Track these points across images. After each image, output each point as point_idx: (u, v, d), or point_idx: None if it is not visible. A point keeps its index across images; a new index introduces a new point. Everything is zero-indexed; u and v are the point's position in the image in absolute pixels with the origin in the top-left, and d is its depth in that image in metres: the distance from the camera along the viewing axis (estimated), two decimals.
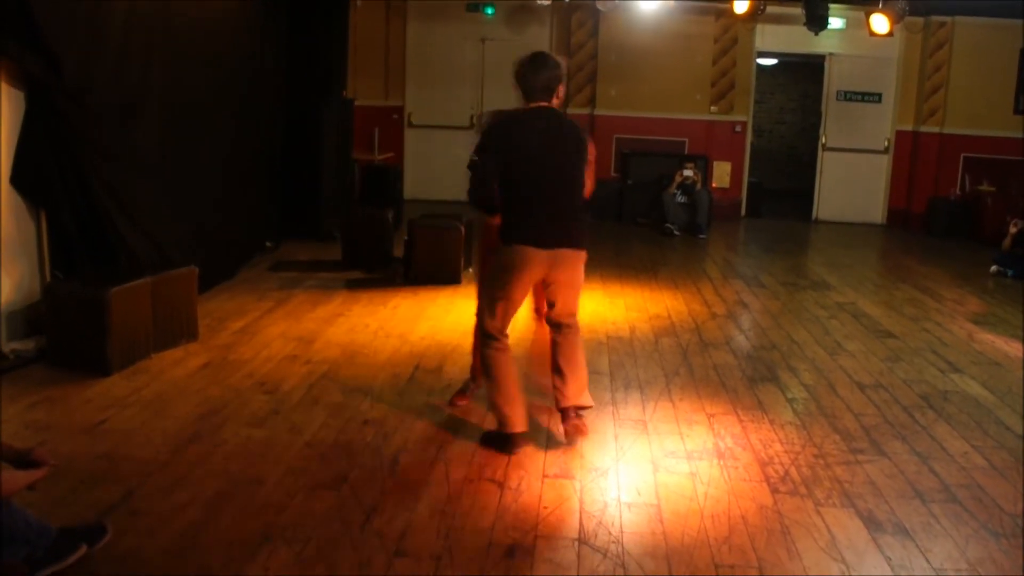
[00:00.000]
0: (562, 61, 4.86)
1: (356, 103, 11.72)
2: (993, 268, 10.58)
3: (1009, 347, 7.33)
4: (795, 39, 13.62)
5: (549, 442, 4.84)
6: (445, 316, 7.32)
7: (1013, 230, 10.47)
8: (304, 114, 10.13)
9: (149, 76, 6.70)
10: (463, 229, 8.58)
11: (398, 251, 9.03)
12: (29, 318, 5.87)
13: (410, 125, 14.39)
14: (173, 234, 6.94)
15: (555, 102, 4.77)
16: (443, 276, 8.42)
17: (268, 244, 9.59)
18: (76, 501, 3.93)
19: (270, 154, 9.64)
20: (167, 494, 4.05)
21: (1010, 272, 10.37)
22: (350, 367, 5.97)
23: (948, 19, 13.74)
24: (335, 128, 10.52)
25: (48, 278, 6.04)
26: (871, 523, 4.10)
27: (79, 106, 5.89)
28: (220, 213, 8.10)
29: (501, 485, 4.30)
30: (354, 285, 8.31)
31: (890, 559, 3.78)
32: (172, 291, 6.13)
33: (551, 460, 4.62)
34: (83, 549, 3.44)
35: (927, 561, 3.78)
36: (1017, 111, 13.84)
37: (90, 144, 6.02)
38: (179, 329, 6.23)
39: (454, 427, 5.01)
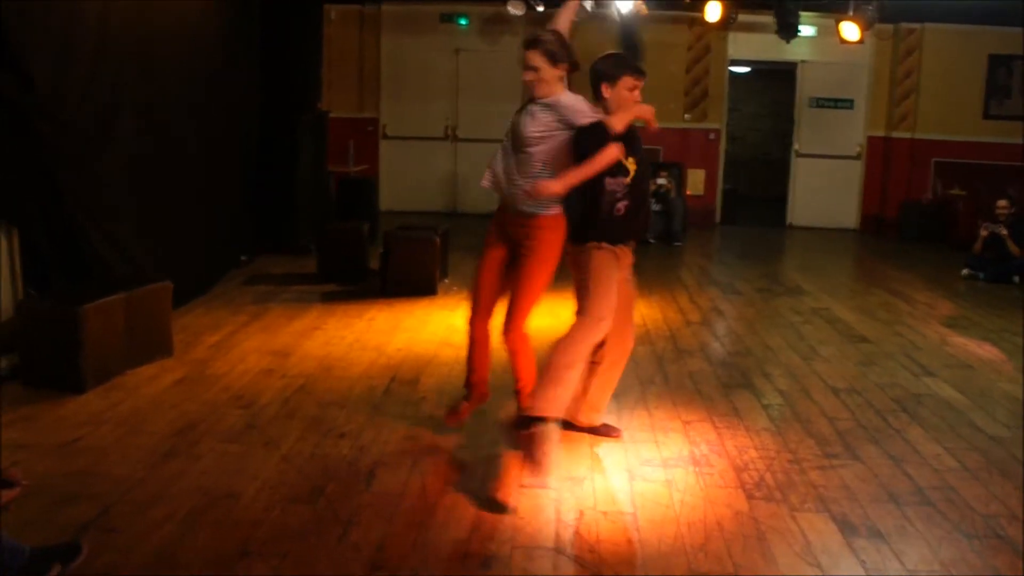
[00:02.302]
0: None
1: (331, 115, 11.72)
2: (965, 271, 10.68)
3: (981, 350, 7.40)
4: (767, 47, 13.74)
5: None
6: (422, 328, 7.32)
7: (984, 233, 10.57)
8: (278, 127, 10.11)
9: (122, 91, 6.68)
10: (438, 240, 8.59)
11: (374, 263, 9.03)
12: (2, 336, 5.83)
13: (385, 137, 14.40)
14: (147, 249, 6.91)
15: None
16: (419, 287, 8.42)
17: (243, 258, 9.56)
18: (50, 520, 3.90)
19: (245, 167, 9.61)
20: (143, 511, 4.03)
21: (982, 275, 10.48)
22: (326, 380, 5.97)
23: (918, 26, 13.89)
24: (310, 141, 10.52)
25: (21, 295, 6.01)
26: (845, 527, 4.13)
27: (51, 122, 5.87)
28: (195, 227, 8.07)
29: (476, 496, 4.30)
30: (330, 298, 8.31)
31: (864, 562, 3.81)
32: (146, 306, 6.11)
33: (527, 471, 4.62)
34: (57, 568, 3.41)
35: (901, 563, 3.81)
36: (986, 116, 14.02)
37: (63, 159, 6.00)
38: (154, 345, 6.20)
39: (430, 439, 5.01)
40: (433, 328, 7.28)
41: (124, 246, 6.58)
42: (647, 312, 8.26)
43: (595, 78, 4.64)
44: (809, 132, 14.64)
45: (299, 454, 4.74)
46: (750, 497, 4.41)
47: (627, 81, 4.59)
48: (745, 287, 9.71)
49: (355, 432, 5.07)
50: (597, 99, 4.64)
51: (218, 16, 8.70)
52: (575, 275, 4.71)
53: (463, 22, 13.90)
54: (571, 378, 4.45)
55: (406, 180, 14.29)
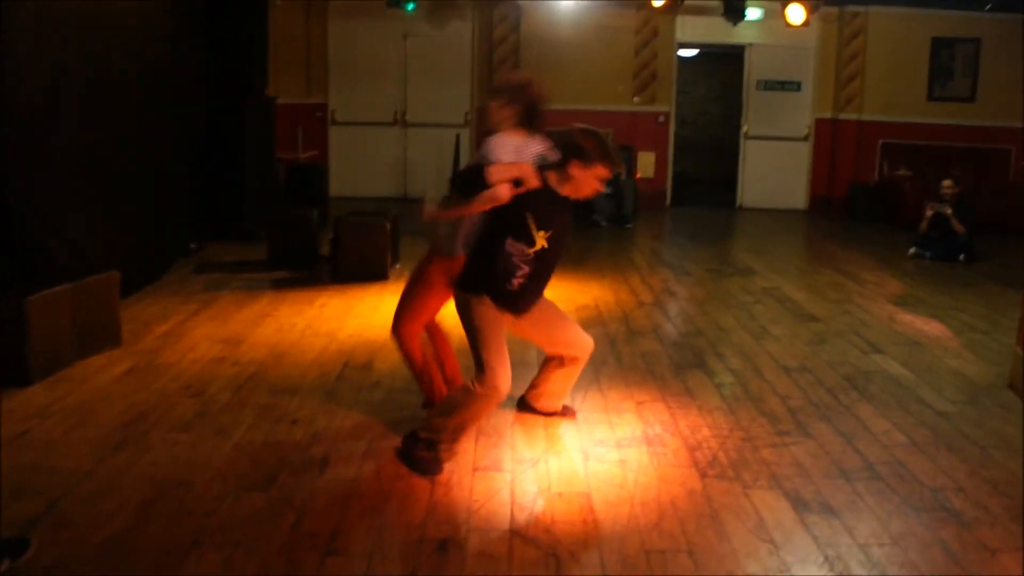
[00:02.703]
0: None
1: (278, 101, 11.60)
2: (912, 251, 10.83)
3: (928, 327, 7.51)
4: (715, 30, 13.84)
5: (479, 435, 4.84)
6: (373, 313, 7.29)
7: (929, 213, 10.70)
8: (225, 113, 9.99)
9: (64, 77, 6.55)
10: (388, 225, 8.54)
11: (325, 249, 8.97)
12: None
13: (334, 123, 14.29)
14: (94, 238, 6.80)
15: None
16: (371, 273, 8.38)
17: (192, 246, 9.44)
18: None
19: (191, 155, 9.49)
20: (93, 503, 3.97)
21: (928, 254, 10.62)
22: (278, 367, 5.92)
23: (862, 9, 14.04)
24: (257, 127, 10.40)
25: None
26: (798, 503, 4.17)
27: None
28: (142, 215, 7.95)
29: (432, 480, 4.29)
30: (281, 285, 8.23)
31: (816, 537, 3.86)
32: (93, 297, 6.01)
33: (481, 453, 4.63)
34: (6, 564, 3.36)
35: (852, 538, 3.86)
36: (931, 98, 14.22)
37: (2, 147, 5.87)
38: (102, 335, 6.10)
39: (383, 424, 4.98)
40: (385, 313, 7.21)
41: (69, 235, 6.47)
42: (599, 294, 8.28)
43: (568, 151, 4.35)
44: (758, 114, 14.74)
45: (251, 442, 4.69)
46: (703, 475, 4.44)
47: (599, 170, 4.32)
48: (696, 268, 9.77)
49: (308, 418, 5.03)
50: (562, 167, 4.35)
51: (162, 3, 8.56)
52: (462, 321, 4.48)
53: (410, 7, 13.79)
54: (462, 435, 4.47)
55: (356, 166, 14.19)
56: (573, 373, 5.01)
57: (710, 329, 7.23)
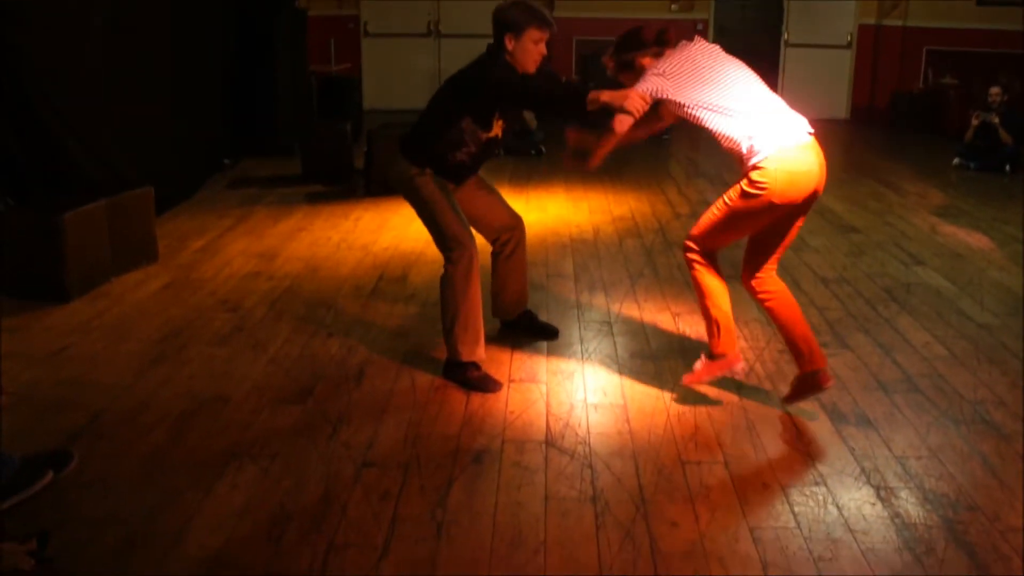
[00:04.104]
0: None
1: (309, 14, 11.46)
2: (956, 161, 10.60)
3: (971, 238, 7.37)
4: None
5: (515, 349, 4.84)
6: (408, 226, 7.25)
7: (975, 122, 10.44)
8: (255, 27, 9.90)
9: None
10: None
11: (359, 163, 8.92)
12: None
13: (366, 34, 14.12)
14: (127, 155, 6.79)
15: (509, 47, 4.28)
16: None
17: (226, 161, 9.45)
18: (40, 429, 3.88)
19: (222, 70, 9.43)
20: (133, 417, 4.02)
21: (972, 164, 10.40)
22: (313, 281, 5.93)
23: None
24: (288, 40, 10.29)
25: None
26: (835, 415, 4.14)
27: (19, 28, 5.70)
28: (173, 132, 7.94)
29: (467, 392, 4.30)
30: (315, 199, 8.22)
31: (853, 449, 3.83)
32: (128, 213, 6.02)
33: (516, 365, 4.62)
34: (49, 476, 3.41)
35: (889, 450, 3.83)
36: (980, 2, 13.75)
37: (32, 65, 5.85)
38: (138, 251, 6.13)
39: (419, 336, 4.99)
40: (419, 226, 7.08)
41: (102, 153, 6.46)
42: (636, 205, 8.20)
43: (498, 27, 4.23)
44: (799, 22, 14.38)
45: (287, 356, 4.72)
46: (740, 387, 4.41)
47: (533, 33, 4.20)
48: (733, 179, 9.55)
49: (343, 332, 5.05)
50: (499, 49, 4.25)
51: None
52: (411, 202, 4.47)
53: None
54: (463, 326, 4.35)
55: (390, 78, 14.05)
56: (520, 260, 4.86)
57: (747, 240, 7.12)
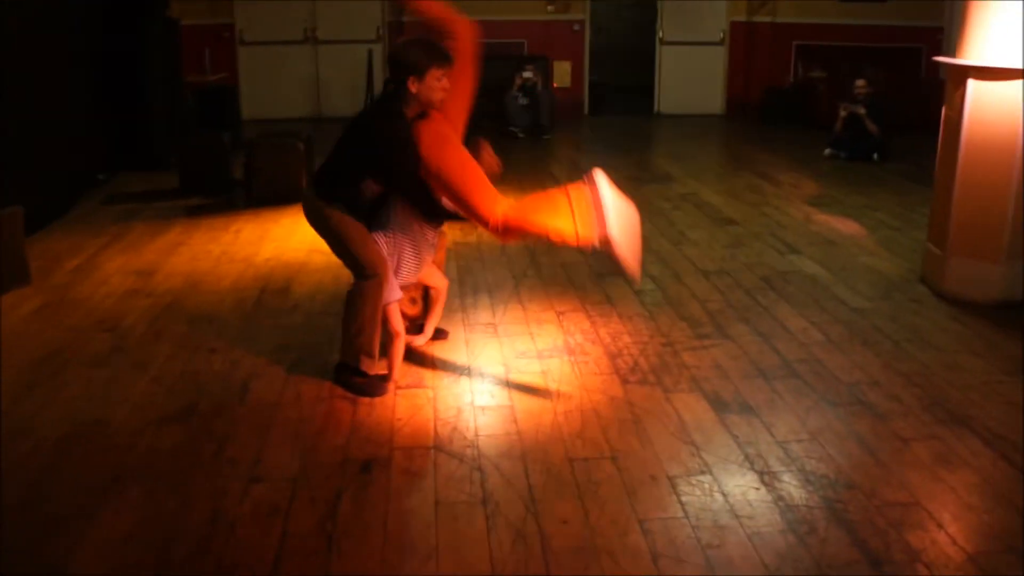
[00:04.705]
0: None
1: (183, 22, 11.21)
2: (827, 151, 10.93)
3: (843, 225, 7.62)
4: None
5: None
6: (290, 236, 7.17)
7: (843, 114, 10.79)
8: (125, 39, 9.63)
9: None
10: (302, 146, 8.37)
11: (238, 173, 8.77)
12: None
13: (243, 43, 13.86)
14: None
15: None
16: (286, 195, 8.20)
17: (100, 177, 9.17)
18: None
19: (93, 83, 9.17)
20: (9, 444, 3.87)
21: (843, 154, 10.74)
22: (194, 296, 5.81)
23: None
24: (160, 50, 10.05)
25: None
26: (718, 404, 4.24)
27: None
28: (45, 148, 7.68)
29: (353, 401, 4.27)
30: (194, 212, 8.05)
31: (737, 436, 3.93)
32: None
33: (403, 371, 4.59)
34: None
35: (771, 435, 3.94)
36: None
37: None
38: (9, 273, 5.91)
39: (303, 348, 4.93)
40: (301, 236, 7.12)
41: None
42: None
43: (398, 70, 4.14)
44: (673, 20, 14.62)
45: (169, 373, 4.62)
46: (625, 382, 4.48)
47: (435, 72, 4.14)
48: (615, 176, 9.60)
49: (226, 346, 4.96)
50: (398, 96, 4.17)
51: None
52: (320, 232, 4.45)
53: None
54: (368, 337, 4.36)
55: (268, 86, 13.82)
56: (434, 314, 4.93)
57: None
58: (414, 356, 4.80)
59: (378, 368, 4.43)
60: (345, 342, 4.41)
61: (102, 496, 3.48)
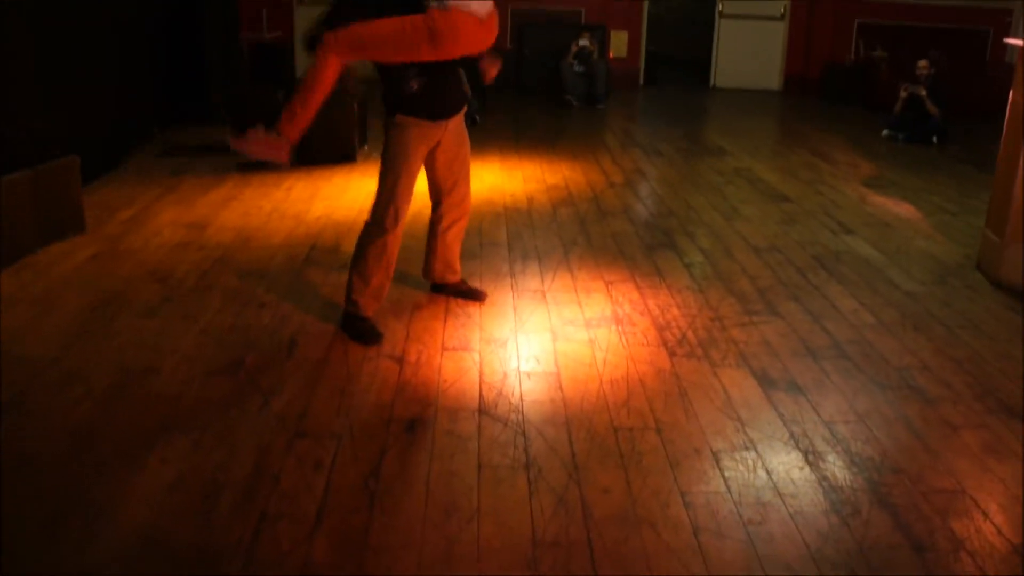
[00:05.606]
0: None
1: None
2: (885, 132, 10.77)
3: (899, 208, 7.50)
4: None
5: (448, 316, 4.83)
6: (341, 195, 7.19)
7: (904, 94, 10.61)
8: None
9: None
10: (356, 106, 8.38)
11: None
12: None
13: (300, 2, 13.88)
14: (52, 124, 6.61)
15: None
16: (338, 155, 8.24)
17: (155, 130, 9.25)
18: None
19: (150, 38, 9.22)
20: (59, 391, 3.93)
21: (901, 136, 10.57)
22: (244, 251, 5.85)
23: None
24: (219, 7, 10.10)
25: None
26: (765, 381, 4.20)
27: None
28: (103, 100, 7.74)
29: (400, 361, 4.28)
30: (246, 168, 8.07)
31: (783, 414, 3.89)
32: (54, 183, 5.87)
33: (450, 333, 4.62)
34: None
35: (817, 415, 3.90)
36: None
37: None
38: (65, 221, 5.99)
39: None
40: (352, 195, 7.15)
41: (26, 122, 6.28)
42: (570, 174, 8.20)
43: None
44: None
45: (218, 326, 4.66)
46: (672, 355, 4.45)
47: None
48: (668, 148, 9.68)
49: (275, 302, 4.99)
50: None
51: None
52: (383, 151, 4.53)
53: None
54: (361, 281, 4.51)
55: None
56: (454, 240, 4.96)
57: (681, 209, 7.19)
58: (462, 318, 4.81)
59: (373, 308, 4.57)
60: (348, 285, 4.57)
61: (149, 444, 3.52)
